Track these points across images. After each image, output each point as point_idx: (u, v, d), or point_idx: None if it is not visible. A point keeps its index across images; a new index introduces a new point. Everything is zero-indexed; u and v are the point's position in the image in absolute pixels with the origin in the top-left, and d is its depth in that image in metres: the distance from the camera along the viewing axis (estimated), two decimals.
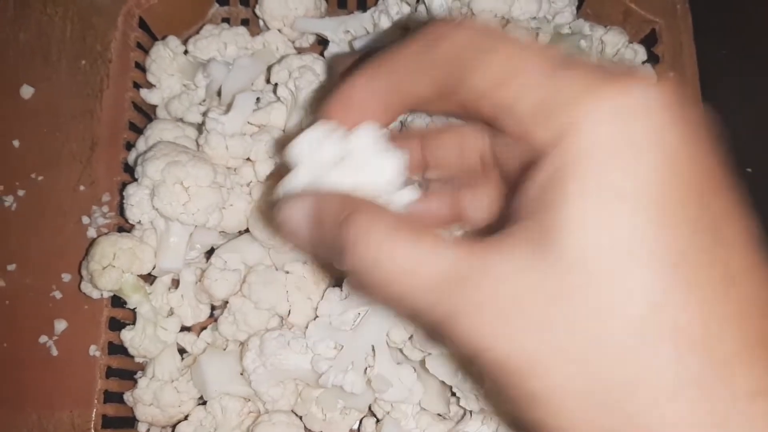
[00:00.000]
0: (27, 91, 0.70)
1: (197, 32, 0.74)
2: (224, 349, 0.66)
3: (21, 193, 0.67)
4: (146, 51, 0.73)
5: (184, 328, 0.69)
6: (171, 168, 0.61)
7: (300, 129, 0.37)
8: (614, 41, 0.74)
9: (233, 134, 0.65)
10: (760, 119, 0.82)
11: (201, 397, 0.66)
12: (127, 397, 0.66)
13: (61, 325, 0.65)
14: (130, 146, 0.70)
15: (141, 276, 0.66)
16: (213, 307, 0.70)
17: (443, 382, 0.62)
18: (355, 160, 0.35)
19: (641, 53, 0.74)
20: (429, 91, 0.32)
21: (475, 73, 0.30)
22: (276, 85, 0.67)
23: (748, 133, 0.81)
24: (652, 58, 0.75)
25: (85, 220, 0.67)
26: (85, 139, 0.69)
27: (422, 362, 0.62)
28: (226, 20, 0.79)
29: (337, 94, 0.35)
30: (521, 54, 0.29)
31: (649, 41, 0.76)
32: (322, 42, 0.76)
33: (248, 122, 0.66)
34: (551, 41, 0.70)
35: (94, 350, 0.64)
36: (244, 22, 0.78)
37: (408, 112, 0.40)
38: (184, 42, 0.73)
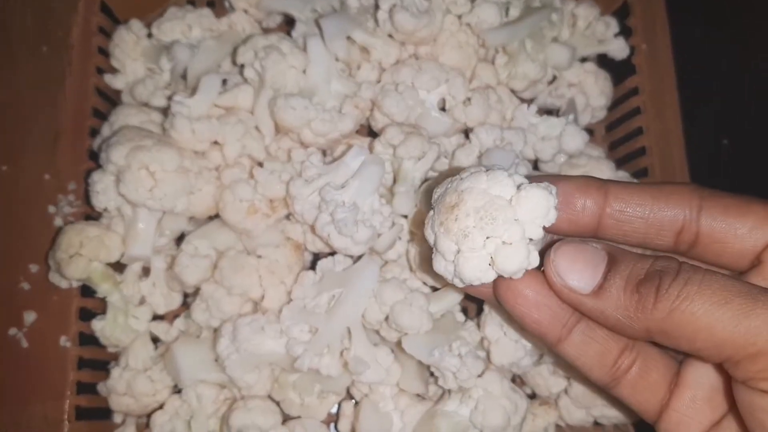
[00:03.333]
0: None
1: (161, 15, 0.72)
2: (198, 337, 0.65)
3: None
4: (109, 35, 0.72)
5: (157, 317, 0.68)
6: (136, 153, 0.60)
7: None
8: (586, 14, 0.73)
9: (199, 117, 0.63)
10: (733, 92, 0.82)
11: (176, 386, 0.65)
12: (101, 387, 0.65)
13: (30, 317, 0.64)
14: (95, 133, 0.69)
15: (110, 264, 0.64)
16: (186, 295, 0.69)
17: (421, 362, 0.62)
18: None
19: (613, 26, 0.74)
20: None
21: None
22: (242, 66, 0.66)
23: (722, 105, 0.81)
24: (625, 31, 0.74)
25: (51, 209, 0.66)
26: (48, 127, 0.67)
27: (399, 343, 0.61)
28: (191, 2, 0.77)
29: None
30: None
31: (622, 14, 0.75)
32: (289, 22, 0.74)
33: (215, 105, 0.65)
34: (521, 15, 0.69)
35: (64, 341, 0.63)
36: (210, 4, 0.77)
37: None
38: (148, 25, 0.72)
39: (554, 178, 0.39)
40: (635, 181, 0.43)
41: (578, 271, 0.36)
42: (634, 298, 0.35)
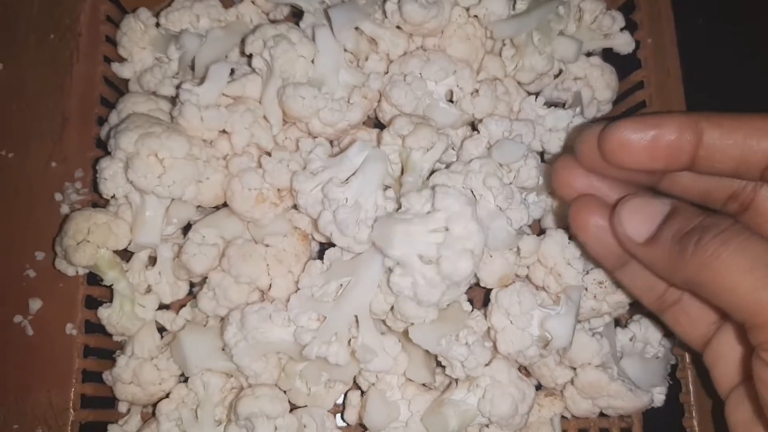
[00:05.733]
0: None
1: (169, 5, 0.72)
2: (204, 325, 0.65)
3: None
4: (116, 24, 0.71)
5: (163, 306, 0.67)
6: (145, 139, 0.59)
7: None
8: (592, 8, 0.73)
9: (208, 106, 0.63)
10: (739, 86, 0.82)
11: (182, 375, 0.65)
12: (106, 376, 0.65)
13: (36, 304, 0.63)
14: (102, 122, 0.68)
15: (117, 252, 0.64)
16: (192, 285, 0.69)
17: (427, 352, 0.62)
18: None
19: (619, 20, 0.74)
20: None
21: None
22: (251, 55, 0.66)
23: (727, 100, 0.82)
24: (630, 25, 0.74)
25: (58, 197, 0.66)
26: (55, 114, 0.67)
27: (405, 333, 0.61)
28: None
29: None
30: None
31: (627, 8, 0.75)
32: (296, 14, 0.75)
33: (223, 94, 0.65)
34: (529, 8, 0.69)
35: (70, 329, 0.63)
36: None
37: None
38: (156, 14, 0.72)
39: (650, 121, 0.40)
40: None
41: (636, 222, 0.40)
42: (676, 248, 0.37)
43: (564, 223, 0.68)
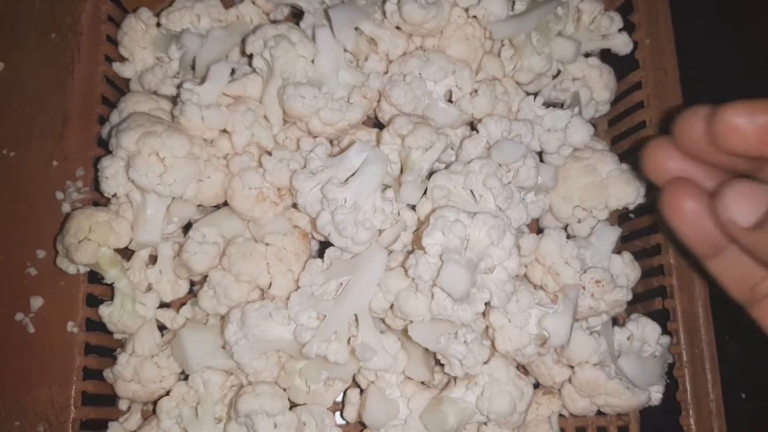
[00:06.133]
0: None
1: (170, 5, 0.72)
2: (205, 324, 0.65)
3: None
4: (117, 24, 0.72)
5: (163, 304, 0.68)
6: (146, 138, 0.60)
7: None
8: (590, 9, 0.74)
9: (209, 105, 0.64)
10: (736, 86, 0.83)
11: (182, 372, 0.65)
12: (107, 373, 0.65)
13: (37, 302, 0.64)
14: (103, 121, 0.69)
15: (118, 250, 0.65)
16: (192, 283, 0.69)
17: (426, 350, 0.62)
18: None
19: (617, 21, 0.74)
20: None
21: None
22: (251, 56, 0.66)
23: (725, 100, 0.82)
24: (629, 26, 0.75)
25: (59, 195, 0.66)
26: (56, 113, 0.68)
27: (404, 331, 0.61)
28: None
29: None
30: None
31: (626, 9, 0.76)
32: (296, 14, 0.75)
33: (224, 93, 0.65)
34: (527, 9, 0.70)
35: (71, 327, 0.64)
36: None
37: None
38: (157, 14, 0.72)
39: (763, 105, 0.38)
40: None
41: (743, 206, 0.38)
42: None
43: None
